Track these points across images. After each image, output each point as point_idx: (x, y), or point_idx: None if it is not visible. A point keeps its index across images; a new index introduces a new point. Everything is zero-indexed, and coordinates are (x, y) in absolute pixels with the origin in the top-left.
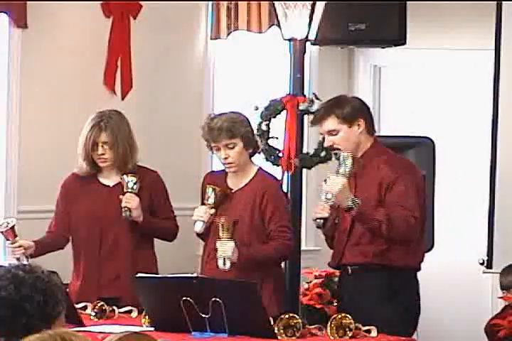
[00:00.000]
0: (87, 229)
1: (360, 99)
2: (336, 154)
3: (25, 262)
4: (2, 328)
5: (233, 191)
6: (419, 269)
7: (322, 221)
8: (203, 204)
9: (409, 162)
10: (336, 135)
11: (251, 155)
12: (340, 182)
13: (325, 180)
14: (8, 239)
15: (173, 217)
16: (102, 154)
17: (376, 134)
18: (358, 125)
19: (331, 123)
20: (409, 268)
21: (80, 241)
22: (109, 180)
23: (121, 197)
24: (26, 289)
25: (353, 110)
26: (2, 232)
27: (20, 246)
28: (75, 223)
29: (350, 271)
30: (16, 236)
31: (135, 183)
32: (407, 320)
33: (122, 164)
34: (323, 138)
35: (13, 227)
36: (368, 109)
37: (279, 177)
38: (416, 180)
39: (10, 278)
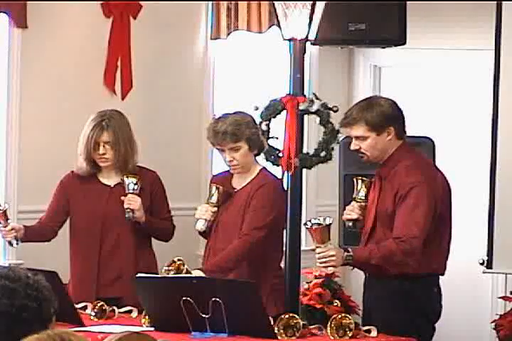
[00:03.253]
0: (87, 228)
1: (392, 102)
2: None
3: (15, 245)
4: (4, 339)
5: (236, 190)
6: (440, 274)
7: (352, 222)
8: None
9: (430, 167)
10: (363, 140)
11: (256, 155)
12: (330, 250)
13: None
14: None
15: (170, 217)
16: (103, 154)
17: None
18: (388, 132)
19: (360, 130)
20: (425, 275)
21: (80, 240)
22: (109, 179)
23: (122, 198)
24: (20, 300)
25: (384, 118)
26: None
27: (12, 229)
28: (76, 222)
29: (367, 274)
30: (7, 219)
31: (136, 184)
32: (419, 326)
33: (123, 164)
34: (324, 139)
35: (5, 211)
36: (401, 112)
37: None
38: (431, 190)
39: (0, 290)
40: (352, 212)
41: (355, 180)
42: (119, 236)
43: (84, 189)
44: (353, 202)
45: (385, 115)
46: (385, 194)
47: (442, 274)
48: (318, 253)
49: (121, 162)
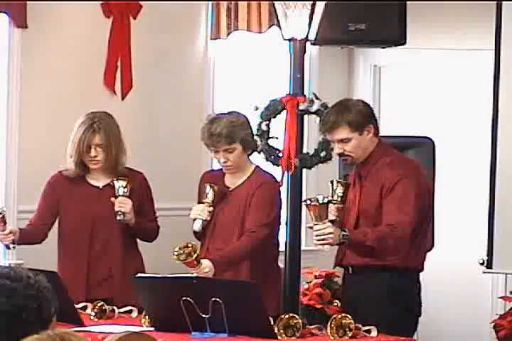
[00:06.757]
0: (76, 229)
1: (364, 102)
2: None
3: (12, 248)
4: (4, 340)
5: (230, 190)
6: (421, 270)
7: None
8: (200, 202)
9: (413, 163)
10: (347, 142)
11: (249, 155)
12: (328, 228)
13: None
14: None
15: (156, 218)
16: (95, 156)
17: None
18: (368, 131)
19: (344, 132)
20: (410, 270)
21: (69, 241)
22: (98, 181)
23: (113, 200)
24: (20, 299)
25: (363, 117)
26: None
27: (10, 233)
28: (65, 224)
29: (350, 270)
30: (5, 223)
31: (125, 187)
32: (406, 320)
33: (113, 165)
34: (323, 139)
35: (3, 215)
36: (373, 110)
37: (279, 177)
38: (417, 183)
39: (0, 290)
40: (329, 213)
41: (330, 182)
42: (109, 238)
43: (73, 190)
44: (330, 204)
45: (363, 114)
46: (367, 191)
47: (421, 270)
48: (316, 230)
49: (112, 163)
